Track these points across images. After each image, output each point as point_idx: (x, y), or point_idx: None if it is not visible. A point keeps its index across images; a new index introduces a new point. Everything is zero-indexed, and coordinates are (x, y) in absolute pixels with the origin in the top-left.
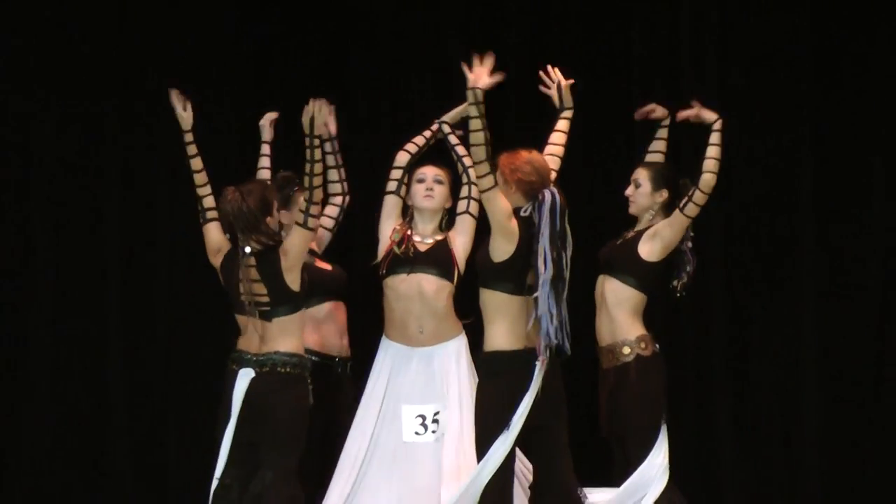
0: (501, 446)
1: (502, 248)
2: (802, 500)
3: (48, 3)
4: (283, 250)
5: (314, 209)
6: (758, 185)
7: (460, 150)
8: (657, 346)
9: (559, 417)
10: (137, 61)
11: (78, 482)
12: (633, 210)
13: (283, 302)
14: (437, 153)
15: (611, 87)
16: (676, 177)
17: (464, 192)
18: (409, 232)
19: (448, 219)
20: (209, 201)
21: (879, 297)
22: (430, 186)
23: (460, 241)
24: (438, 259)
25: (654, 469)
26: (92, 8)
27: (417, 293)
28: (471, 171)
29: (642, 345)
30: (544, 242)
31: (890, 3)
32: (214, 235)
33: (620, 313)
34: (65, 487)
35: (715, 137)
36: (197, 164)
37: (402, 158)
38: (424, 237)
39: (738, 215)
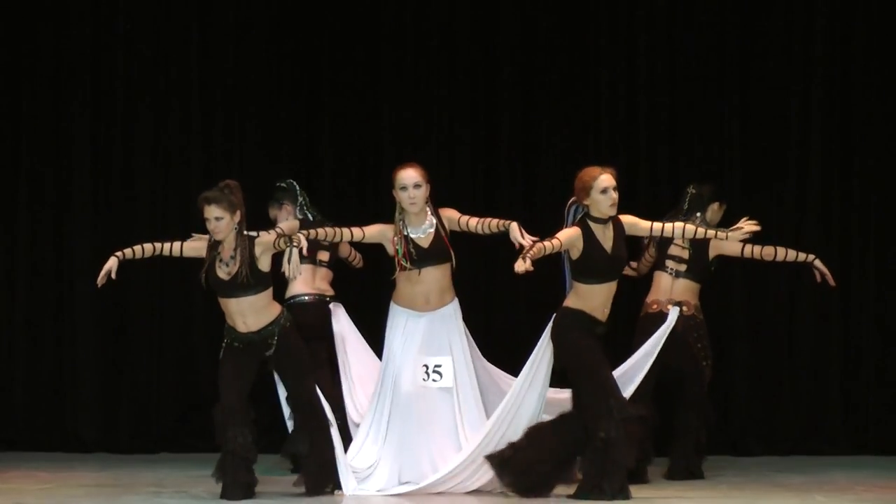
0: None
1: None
2: (733, 410)
3: None
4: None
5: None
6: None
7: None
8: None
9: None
10: None
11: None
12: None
13: (258, 283)
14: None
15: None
16: None
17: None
18: (403, 233)
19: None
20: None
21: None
22: (411, 195)
23: (448, 213)
24: (437, 251)
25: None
26: None
27: (426, 279)
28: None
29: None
30: None
31: None
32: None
33: None
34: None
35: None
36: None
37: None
38: (419, 230)
39: None
